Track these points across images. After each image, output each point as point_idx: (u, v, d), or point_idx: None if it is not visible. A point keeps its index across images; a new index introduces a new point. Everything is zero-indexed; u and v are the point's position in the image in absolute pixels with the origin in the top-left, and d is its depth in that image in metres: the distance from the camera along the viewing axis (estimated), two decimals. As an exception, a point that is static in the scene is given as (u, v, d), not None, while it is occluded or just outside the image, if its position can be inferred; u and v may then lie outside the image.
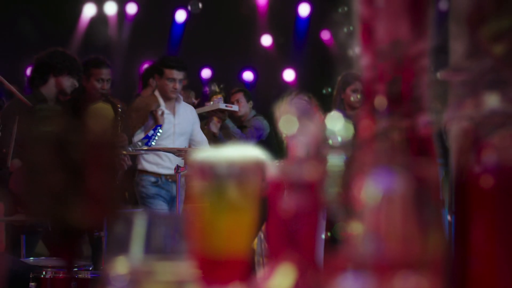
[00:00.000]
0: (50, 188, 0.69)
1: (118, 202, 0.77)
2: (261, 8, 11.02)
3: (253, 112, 8.43)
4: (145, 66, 8.48)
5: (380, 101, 1.08)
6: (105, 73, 6.48)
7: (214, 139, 8.22)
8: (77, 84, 5.78)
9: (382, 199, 0.86)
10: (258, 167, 0.89)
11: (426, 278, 0.84)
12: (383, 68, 1.07)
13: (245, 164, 0.88)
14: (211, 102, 7.97)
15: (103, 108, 0.79)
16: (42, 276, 4.38)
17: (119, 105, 6.52)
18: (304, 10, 11.01)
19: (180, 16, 11.19)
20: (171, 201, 6.84)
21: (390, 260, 0.84)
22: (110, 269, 0.99)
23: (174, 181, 6.58)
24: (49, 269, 4.38)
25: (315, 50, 11.07)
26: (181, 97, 6.96)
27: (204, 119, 8.53)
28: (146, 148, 6.61)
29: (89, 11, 11.17)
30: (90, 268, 4.62)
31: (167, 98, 6.82)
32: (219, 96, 8.11)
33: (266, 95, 10.44)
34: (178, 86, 6.80)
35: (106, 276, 0.99)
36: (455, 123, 0.97)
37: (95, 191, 0.72)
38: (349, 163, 0.96)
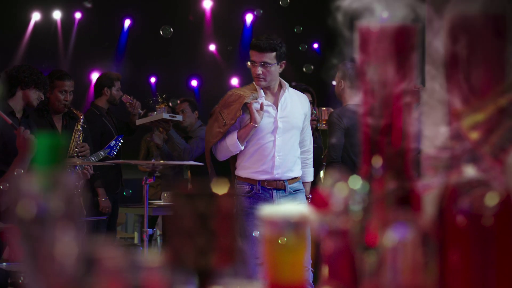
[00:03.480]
0: (196, 246, 1.06)
1: (237, 247, 1.14)
2: (208, 16, 11.20)
3: (199, 122, 8.44)
4: (99, 75, 8.58)
5: (376, 160, 1.47)
6: (68, 85, 6.84)
7: (158, 150, 8.25)
8: (43, 97, 6.09)
9: (397, 243, 1.25)
10: (307, 219, 1.27)
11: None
12: (373, 104, 1.47)
13: (298, 218, 1.27)
14: (155, 112, 7.75)
15: (224, 181, 1.16)
16: (20, 281, 4.64)
17: (81, 116, 6.83)
18: (249, 18, 11.22)
19: (127, 24, 11.33)
20: None
21: (404, 285, 1.23)
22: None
23: (275, 188, 5.51)
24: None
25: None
26: (287, 85, 5.70)
27: (149, 130, 8.47)
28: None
29: (36, 18, 11.17)
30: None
31: (265, 87, 5.57)
32: (163, 106, 7.83)
33: (212, 102, 10.71)
34: (260, 71, 5.48)
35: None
36: (442, 186, 1.37)
37: (225, 244, 1.10)
38: (367, 213, 1.35)
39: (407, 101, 1.49)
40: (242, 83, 11.29)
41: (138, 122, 7.58)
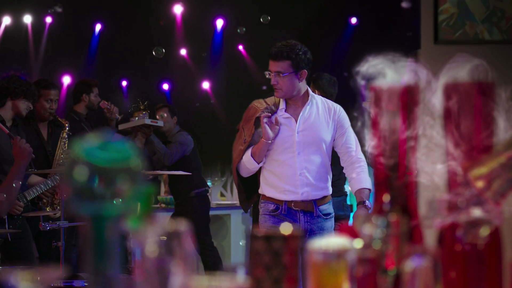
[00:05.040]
0: (271, 276, 1.43)
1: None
2: (179, 21, 11.27)
3: (178, 128, 8.73)
4: (78, 82, 8.72)
5: (386, 197, 1.85)
6: (54, 93, 7.10)
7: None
8: (31, 107, 6.37)
9: (414, 269, 1.63)
10: (346, 250, 1.64)
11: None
12: (384, 147, 1.84)
13: (340, 248, 1.63)
14: (136, 118, 8.02)
15: (288, 225, 1.53)
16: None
17: (66, 124, 7.10)
18: (220, 24, 11.27)
19: (98, 28, 11.34)
20: None
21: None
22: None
23: (302, 210, 5.07)
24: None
25: (231, 62, 11.41)
26: (313, 95, 5.18)
27: (129, 134, 8.72)
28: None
29: (6, 22, 11.11)
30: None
31: (287, 99, 5.10)
32: (144, 112, 8.07)
33: (183, 106, 10.87)
34: (275, 81, 4.97)
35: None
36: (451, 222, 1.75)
37: (293, 274, 1.48)
38: (386, 243, 1.73)
39: (411, 144, 1.87)
40: (213, 88, 11.40)
41: (121, 127, 7.83)
